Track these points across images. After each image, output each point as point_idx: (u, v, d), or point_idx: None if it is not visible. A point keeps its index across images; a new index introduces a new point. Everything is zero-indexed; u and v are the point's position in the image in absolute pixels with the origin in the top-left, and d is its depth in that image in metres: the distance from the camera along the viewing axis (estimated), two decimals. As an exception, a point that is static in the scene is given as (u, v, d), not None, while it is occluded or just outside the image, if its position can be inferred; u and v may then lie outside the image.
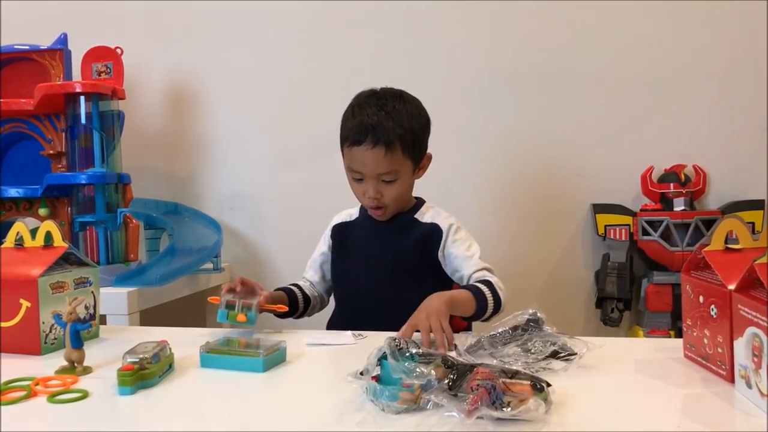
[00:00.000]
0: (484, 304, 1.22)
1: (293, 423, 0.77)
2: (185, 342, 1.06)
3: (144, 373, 0.88)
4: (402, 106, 1.31)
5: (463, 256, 1.33)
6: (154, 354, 0.91)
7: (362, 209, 1.45)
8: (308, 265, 1.48)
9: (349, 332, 1.18)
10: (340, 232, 1.44)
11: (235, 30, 2.10)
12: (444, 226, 1.36)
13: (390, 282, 1.34)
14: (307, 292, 1.42)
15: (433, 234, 1.35)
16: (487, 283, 1.25)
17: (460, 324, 1.48)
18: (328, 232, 1.47)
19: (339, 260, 1.44)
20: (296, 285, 1.43)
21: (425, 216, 1.38)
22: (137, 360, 0.89)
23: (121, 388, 0.86)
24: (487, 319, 1.25)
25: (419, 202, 1.41)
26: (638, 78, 1.91)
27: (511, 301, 1.96)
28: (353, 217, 1.45)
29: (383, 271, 1.35)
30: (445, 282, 1.38)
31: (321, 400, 0.84)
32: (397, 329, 1.09)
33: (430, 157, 1.39)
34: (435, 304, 1.10)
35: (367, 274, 1.37)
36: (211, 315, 2.07)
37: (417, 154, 1.34)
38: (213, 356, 0.98)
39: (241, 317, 1.17)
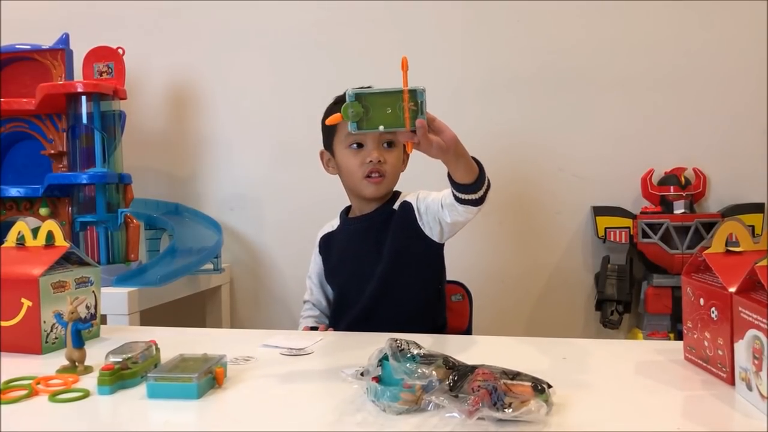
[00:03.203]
0: (483, 173, 1.18)
1: (293, 423, 0.77)
2: (185, 342, 1.06)
3: (125, 373, 0.88)
4: None
5: (435, 194, 1.33)
6: (140, 354, 0.92)
7: (343, 215, 1.48)
8: (308, 286, 1.52)
9: (311, 334, 1.21)
10: (326, 242, 1.48)
11: (236, 31, 2.11)
12: (412, 199, 1.38)
13: (381, 274, 1.35)
14: (326, 320, 1.48)
15: (407, 211, 1.37)
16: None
17: (461, 325, 1.49)
18: (316, 250, 1.50)
19: (331, 269, 1.46)
20: (314, 317, 1.48)
21: (398, 202, 1.41)
22: (119, 360, 0.89)
23: (101, 388, 0.86)
24: (479, 200, 1.21)
25: (396, 194, 1.43)
26: (639, 81, 1.92)
27: (510, 302, 1.98)
28: (335, 227, 1.48)
29: (373, 265, 1.36)
30: (436, 261, 1.40)
31: (321, 400, 0.84)
32: (394, 321, 1.14)
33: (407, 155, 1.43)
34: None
35: (358, 272, 1.38)
36: (211, 315, 2.08)
37: None
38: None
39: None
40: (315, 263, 1.51)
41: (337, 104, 1.39)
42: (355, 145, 1.37)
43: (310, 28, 2.06)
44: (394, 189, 1.44)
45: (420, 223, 1.35)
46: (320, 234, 1.51)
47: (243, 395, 0.86)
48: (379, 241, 1.37)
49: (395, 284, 1.34)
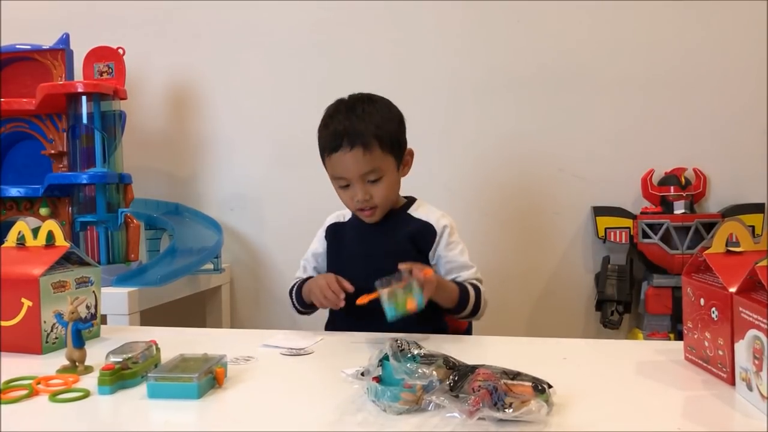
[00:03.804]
0: (464, 305, 1.27)
1: (293, 423, 0.77)
2: (185, 342, 1.06)
3: (125, 373, 0.88)
4: (371, 107, 1.32)
5: (458, 262, 1.34)
6: (140, 354, 0.92)
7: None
8: (303, 265, 1.47)
9: (311, 334, 1.19)
10: (334, 232, 1.44)
11: (236, 31, 2.11)
12: (438, 227, 1.35)
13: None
14: None
15: (427, 232, 1.34)
16: (476, 290, 1.30)
17: (461, 324, 1.48)
18: (322, 233, 1.45)
19: (334, 262, 1.43)
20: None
21: (418, 211, 1.38)
22: (120, 360, 0.89)
23: (101, 388, 0.86)
24: (461, 318, 1.31)
25: (411, 200, 1.41)
26: (639, 81, 1.92)
27: (511, 302, 1.98)
28: (346, 218, 1.45)
29: (378, 271, 1.33)
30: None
31: (322, 400, 0.84)
32: (400, 321, 1.12)
33: (412, 153, 1.38)
34: (431, 272, 1.16)
35: (362, 274, 1.34)
36: (211, 315, 2.08)
37: (397, 150, 1.33)
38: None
39: (411, 304, 1.11)
40: (317, 246, 1.45)
41: (327, 127, 1.32)
42: (341, 183, 1.33)
43: (309, 29, 2.06)
44: (408, 195, 1.40)
45: (431, 254, 1.34)
46: (330, 221, 1.45)
47: (243, 395, 0.86)
48: (389, 245, 1.34)
49: None
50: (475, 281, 1.33)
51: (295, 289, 1.40)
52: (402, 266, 1.17)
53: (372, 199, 1.31)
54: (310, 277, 1.39)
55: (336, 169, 1.32)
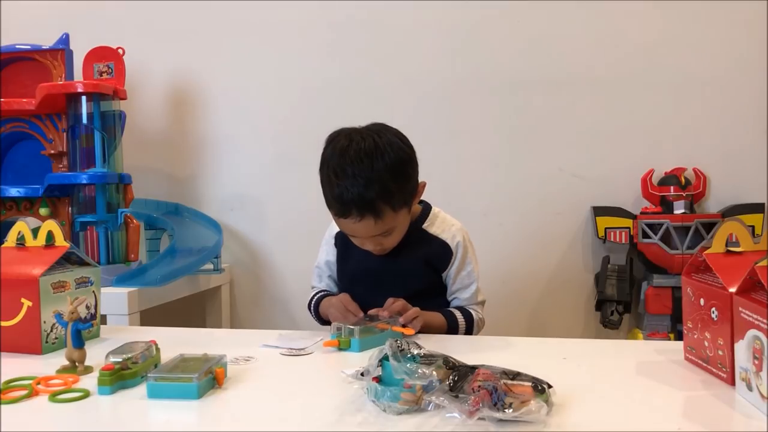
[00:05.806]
0: (453, 333, 1.29)
1: (294, 423, 0.77)
2: (185, 342, 1.06)
3: (125, 373, 0.88)
4: (380, 162, 1.18)
5: (464, 284, 1.34)
6: (140, 354, 0.92)
7: None
8: (317, 274, 1.44)
9: (311, 334, 1.18)
10: (343, 239, 1.36)
11: (236, 31, 2.11)
12: (453, 245, 1.32)
13: (400, 291, 1.26)
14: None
15: (443, 254, 1.32)
16: (468, 318, 1.31)
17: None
18: (330, 240, 1.40)
19: (345, 274, 1.39)
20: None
21: (433, 227, 1.34)
22: (120, 360, 0.89)
23: (101, 388, 0.86)
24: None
25: (425, 209, 1.36)
26: (639, 81, 1.92)
27: (511, 302, 1.98)
28: None
29: (392, 290, 1.28)
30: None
31: (322, 401, 0.84)
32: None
33: (424, 185, 1.30)
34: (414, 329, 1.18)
35: (374, 291, 1.29)
36: (211, 315, 2.08)
37: (408, 199, 1.25)
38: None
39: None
40: (327, 253, 1.41)
41: (332, 189, 1.20)
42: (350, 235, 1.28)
43: (309, 29, 2.06)
44: (422, 205, 1.36)
45: (444, 274, 1.33)
46: (337, 229, 1.36)
47: (243, 395, 0.86)
48: (405, 265, 1.31)
49: (414, 301, 1.25)
50: (471, 307, 1.33)
51: (313, 305, 1.38)
52: (390, 305, 1.19)
53: (383, 246, 1.27)
54: (324, 295, 1.37)
55: (345, 229, 1.27)
